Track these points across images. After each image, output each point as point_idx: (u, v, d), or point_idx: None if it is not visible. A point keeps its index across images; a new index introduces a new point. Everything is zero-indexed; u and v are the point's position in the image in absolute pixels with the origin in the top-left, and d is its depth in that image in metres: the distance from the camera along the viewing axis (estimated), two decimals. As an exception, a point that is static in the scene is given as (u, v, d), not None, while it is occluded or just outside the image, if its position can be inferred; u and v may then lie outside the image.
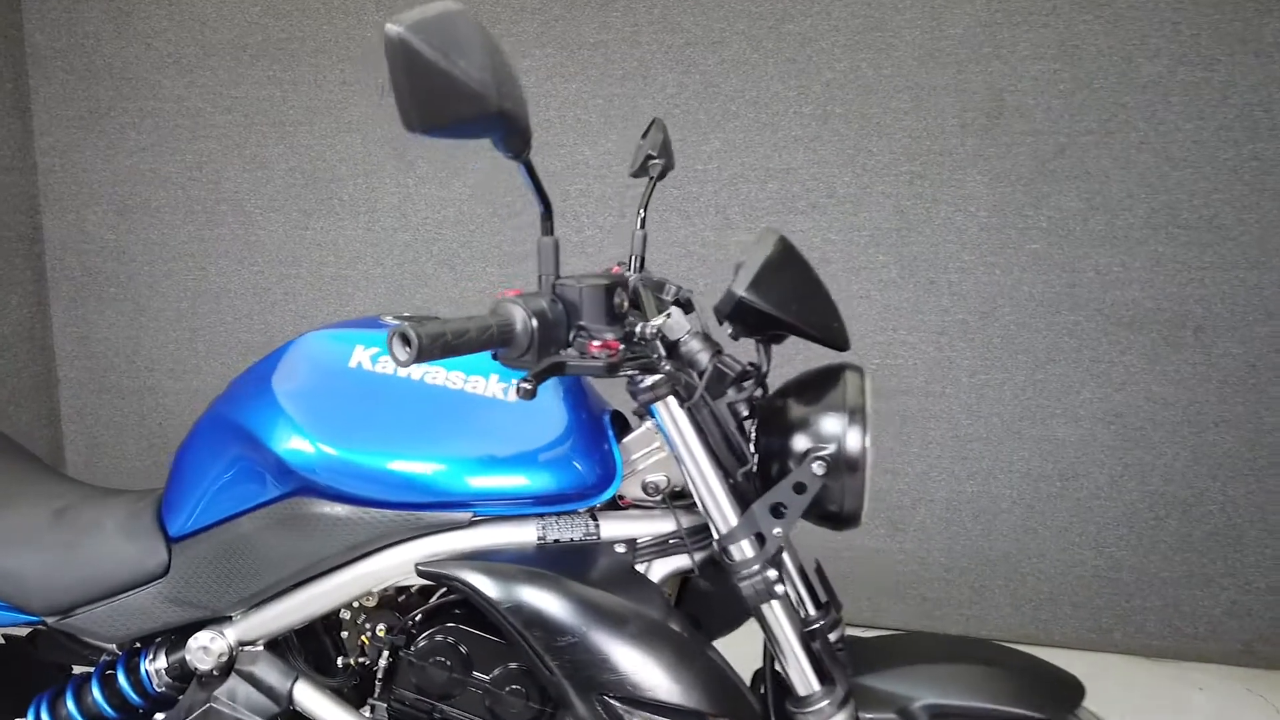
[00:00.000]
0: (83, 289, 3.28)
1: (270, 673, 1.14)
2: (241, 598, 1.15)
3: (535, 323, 0.95)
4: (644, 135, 1.61)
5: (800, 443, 1.08)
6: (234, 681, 1.14)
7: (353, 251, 3.11)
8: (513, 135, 0.93)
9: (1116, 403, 2.74)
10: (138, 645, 1.24)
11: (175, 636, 1.20)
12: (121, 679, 1.19)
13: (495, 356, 0.98)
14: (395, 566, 1.10)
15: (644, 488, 1.17)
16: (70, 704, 1.21)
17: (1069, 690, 1.15)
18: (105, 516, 1.25)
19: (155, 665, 1.19)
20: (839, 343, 1.18)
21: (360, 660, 1.18)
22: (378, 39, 2.89)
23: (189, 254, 3.20)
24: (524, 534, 1.10)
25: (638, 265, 1.38)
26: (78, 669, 1.36)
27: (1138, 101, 2.62)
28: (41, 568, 1.19)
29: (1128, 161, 2.65)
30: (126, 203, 3.21)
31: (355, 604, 1.17)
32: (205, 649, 1.16)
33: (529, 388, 0.94)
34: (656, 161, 1.42)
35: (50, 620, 1.20)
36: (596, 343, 1.02)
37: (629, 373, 1.07)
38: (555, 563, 1.08)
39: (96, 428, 3.34)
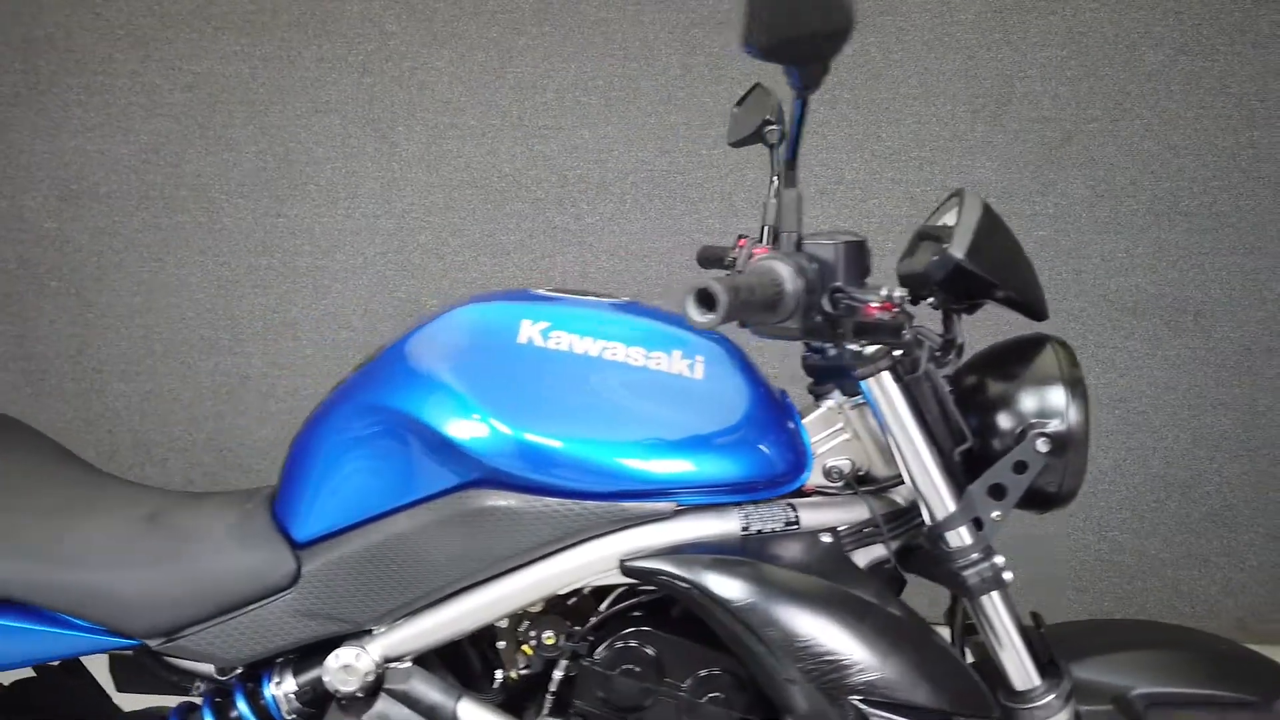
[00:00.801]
0: (18, 282, 2.97)
1: (430, 691, 1.00)
2: (391, 607, 1.00)
3: (802, 283, 0.85)
4: (739, 103, 1.52)
5: (1014, 419, 1.01)
6: (385, 703, 0.99)
7: (330, 240, 2.90)
8: (826, 61, 0.84)
9: (1120, 388, 2.77)
10: (254, 669, 1.07)
11: (298, 656, 1.04)
12: (242, 706, 1.02)
13: (743, 322, 0.87)
14: (589, 565, 0.98)
15: (826, 473, 1.08)
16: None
17: (1271, 673, 1.11)
18: (209, 522, 1.07)
19: (282, 689, 1.02)
20: (1042, 312, 1.12)
21: (522, 672, 1.05)
22: None
23: (143, 243, 2.93)
24: (727, 525, 0.99)
25: (771, 237, 1.29)
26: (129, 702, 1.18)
27: (1142, 90, 2.66)
28: (141, 584, 1.01)
29: (1132, 149, 2.68)
30: (70, 188, 2.92)
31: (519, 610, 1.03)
32: (348, 668, 1.00)
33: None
34: (774, 128, 1.32)
35: (153, 642, 1.02)
36: (874, 303, 0.92)
37: (861, 343, 0.98)
38: (773, 556, 0.98)
39: (34, 436, 3.03)
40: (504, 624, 1.04)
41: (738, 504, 1.00)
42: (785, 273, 0.88)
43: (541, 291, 1.10)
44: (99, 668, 1.20)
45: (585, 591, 1.04)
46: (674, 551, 0.96)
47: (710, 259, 1.43)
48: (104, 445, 3.02)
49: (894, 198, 2.77)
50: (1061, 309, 2.75)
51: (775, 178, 1.26)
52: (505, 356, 1.00)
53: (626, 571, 0.96)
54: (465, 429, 0.96)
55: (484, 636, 1.06)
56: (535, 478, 0.96)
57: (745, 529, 0.99)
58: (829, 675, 0.93)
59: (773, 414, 1.06)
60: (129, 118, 2.89)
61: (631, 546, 0.97)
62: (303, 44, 2.83)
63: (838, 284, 0.95)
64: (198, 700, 1.09)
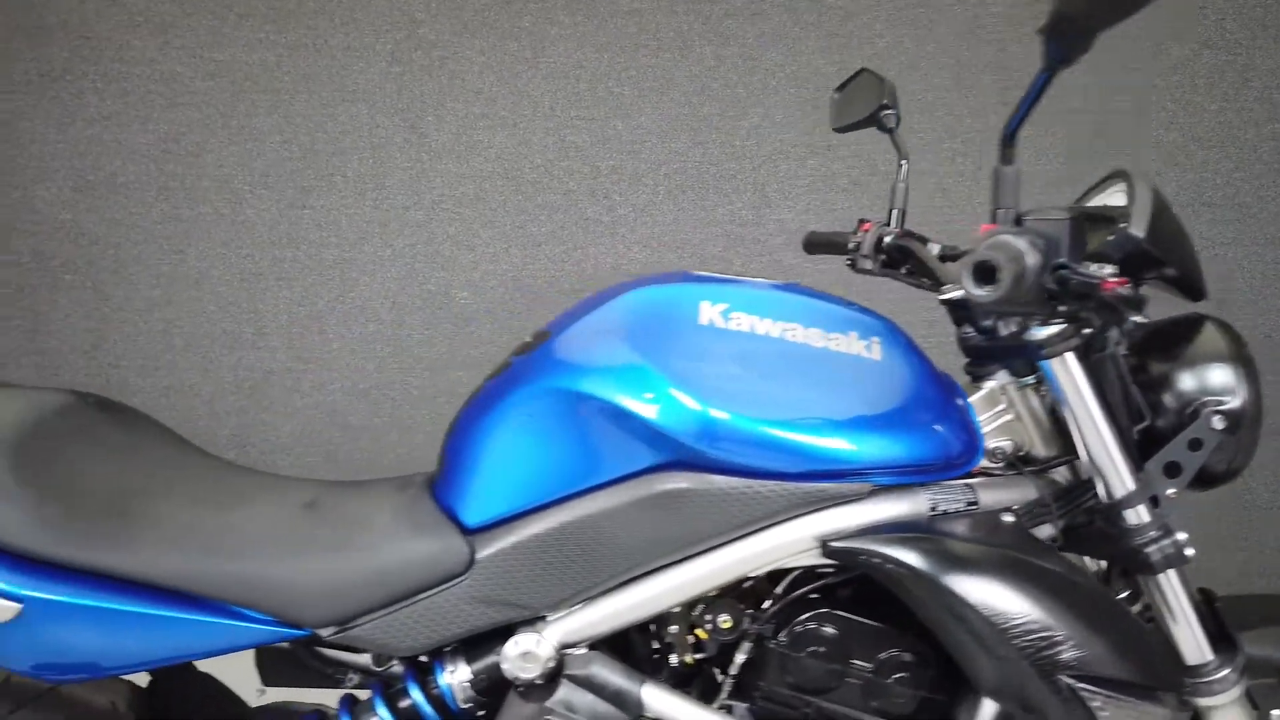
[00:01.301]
0: (31, 275, 2.88)
1: (613, 676, 0.99)
2: (570, 593, 0.99)
3: (1038, 258, 0.86)
4: (840, 88, 1.53)
5: (1187, 397, 1.03)
6: (567, 690, 0.98)
7: (357, 232, 2.86)
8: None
9: (1146, 375, 2.83)
10: (415, 658, 1.05)
11: (467, 644, 1.02)
12: (417, 696, 1.00)
13: (970, 301, 0.87)
14: (784, 546, 0.97)
15: (989, 454, 1.09)
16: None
17: None
18: (372, 510, 1.05)
19: (457, 678, 1.00)
20: (1203, 291, 1.14)
21: (696, 657, 1.04)
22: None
23: (163, 235, 2.86)
24: (917, 505, 0.99)
25: (899, 220, 1.30)
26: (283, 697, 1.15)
27: (1167, 83, 2.72)
28: (312, 574, 0.99)
29: (1157, 141, 2.74)
30: (86, 178, 2.84)
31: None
32: (529, 655, 0.98)
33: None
34: (891, 112, 1.33)
35: (325, 632, 1.00)
36: (1110, 280, 0.93)
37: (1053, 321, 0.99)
38: (968, 536, 0.98)
39: (47, 434, 2.94)
40: (676, 608, 1.03)
41: (923, 484, 1.01)
42: (1023, 247, 0.88)
43: (700, 273, 1.09)
44: (218, 666, 1.17)
45: (760, 574, 1.04)
46: (870, 532, 0.96)
47: (821, 244, 1.43)
48: (121, 443, 2.94)
49: (926, 189, 2.79)
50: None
51: (903, 161, 1.27)
52: (691, 338, 0.99)
53: (830, 553, 0.96)
54: (663, 410, 0.95)
55: (651, 621, 1.05)
56: (732, 459, 0.95)
57: (933, 509, 0.99)
58: (1043, 652, 0.94)
59: (945, 395, 1.06)
60: (148, 106, 2.81)
61: (829, 527, 0.97)
62: (330, 31, 2.78)
63: (1062, 260, 0.96)
64: (356, 692, 1.06)
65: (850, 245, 1.29)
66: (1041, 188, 2.75)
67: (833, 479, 0.97)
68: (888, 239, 1.24)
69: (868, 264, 1.25)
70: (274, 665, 1.11)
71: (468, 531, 1.01)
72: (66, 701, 1.08)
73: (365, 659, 1.06)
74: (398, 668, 1.06)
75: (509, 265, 2.86)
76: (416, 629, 0.99)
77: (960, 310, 1.12)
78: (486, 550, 0.99)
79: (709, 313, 1.00)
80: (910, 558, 0.94)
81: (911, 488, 1.00)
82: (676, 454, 0.95)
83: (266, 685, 1.12)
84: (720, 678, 1.03)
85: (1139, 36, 2.69)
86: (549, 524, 0.98)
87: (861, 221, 1.32)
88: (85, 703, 1.08)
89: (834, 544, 0.95)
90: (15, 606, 0.93)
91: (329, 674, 1.07)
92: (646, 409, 0.95)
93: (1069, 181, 2.77)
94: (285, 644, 1.03)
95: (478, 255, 2.86)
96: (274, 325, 2.89)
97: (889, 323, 1.11)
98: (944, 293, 1.12)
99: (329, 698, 1.23)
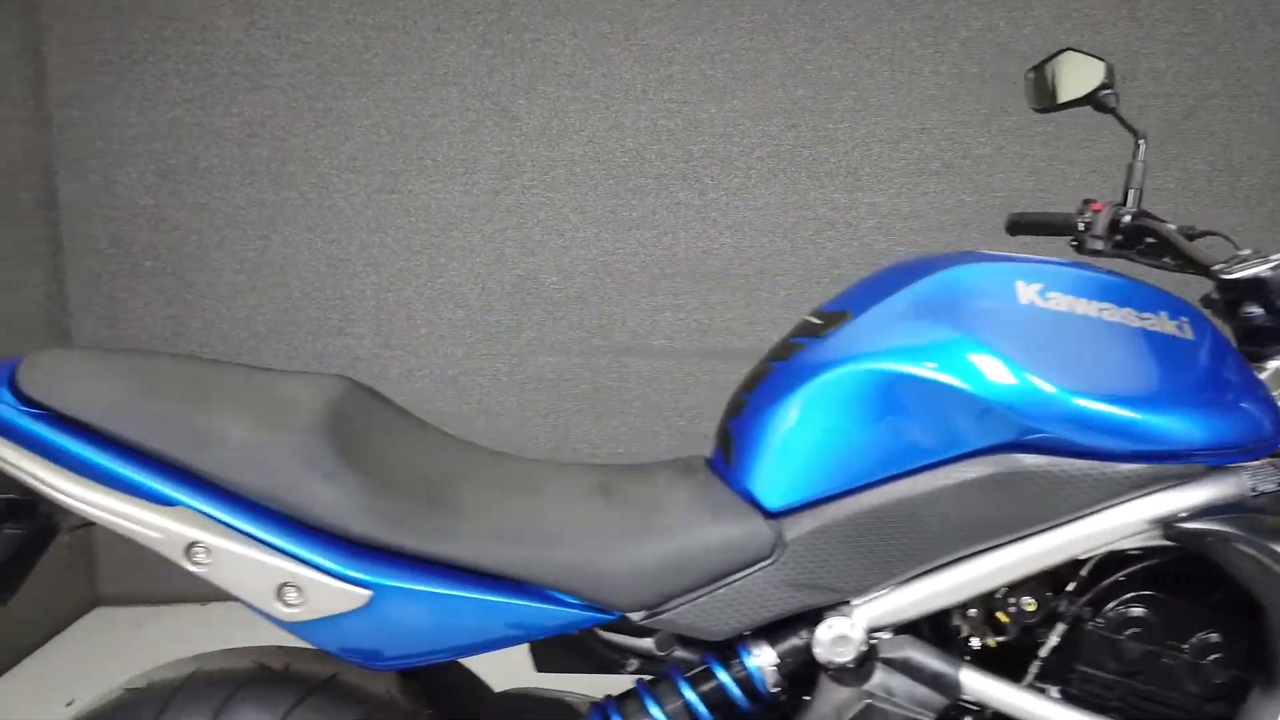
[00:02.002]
0: (110, 262, 2.82)
1: (930, 660, 0.98)
2: (887, 575, 0.98)
3: None
4: (1037, 68, 1.52)
5: None
6: (884, 674, 0.97)
7: (447, 217, 2.82)
8: None
9: (1233, 357, 2.85)
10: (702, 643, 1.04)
11: (769, 629, 1.01)
12: (725, 679, 0.99)
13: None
14: (1119, 528, 0.96)
15: None
16: (654, 709, 0.99)
17: None
18: (665, 494, 1.03)
19: (763, 661, 0.99)
20: None
21: (998, 640, 1.03)
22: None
23: (248, 221, 2.81)
24: (1240, 485, 0.98)
25: (1137, 199, 1.29)
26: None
27: (1259, 66, 2.73)
28: (623, 558, 0.97)
29: (1249, 125, 2.76)
30: (168, 162, 2.78)
31: None
32: (843, 639, 0.97)
33: None
34: (1110, 92, 1.32)
35: (636, 616, 0.98)
36: None
37: None
38: None
39: (127, 423, 2.89)
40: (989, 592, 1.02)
41: (1242, 465, 1.00)
42: None
43: (989, 253, 1.08)
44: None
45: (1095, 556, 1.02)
46: (1205, 514, 0.96)
47: (1031, 225, 1.42)
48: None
49: (1019, 172, 2.80)
50: (1182, 280, 2.82)
51: (1140, 140, 1.26)
52: (1015, 317, 0.98)
53: (1174, 535, 0.95)
54: (1005, 389, 0.94)
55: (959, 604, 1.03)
56: (1072, 440, 0.94)
57: (1254, 490, 0.99)
58: None
59: (1250, 376, 1.06)
60: (232, 89, 2.76)
61: (1166, 510, 0.96)
62: (419, 13, 2.73)
63: None
64: (644, 676, 1.05)
65: (1080, 225, 1.28)
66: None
67: (1168, 460, 0.96)
68: (1125, 219, 1.23)
69: (1099, 244, 1.24)
70: (548, 651, 1.09)
71: (770, 515, 1.00)
72: (346, 690, 1.06)
73: (648, 644, 1.05)
74: (680, 653, 1.05)
75: (599, 250, 2.84)
76: (726, 612, 0.98)
77: (1242, 291, 1.11)
78: (794, 533, 0.98)
79: (1026, 292, 0.99)
80: (1262, 538, 0.93)
81: (1233, 468, 0.99)
82: (1014, 435, 0.94)
83: (540, 670, 1.11)
84: (1032, 660, 1.02)
85: (1236, 17, 2.70)
86: (864, 506, 0.97)
87: (1089, 202, 1.31)
88: (363, 690, 1.06)
89: (1181, 526, 0.95)
90: (366, 594, 0.91)
91: (612, 659, 1.06)
92: (988, 388, 0.94)
93: (1161, 166, 2.78)
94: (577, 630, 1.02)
95: (567, 240, 2.84)
96: (360, 311, 2.85)
97: (1187, 301, 1.10)
98: (1232, 271, 1.11)
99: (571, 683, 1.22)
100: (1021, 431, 0.95)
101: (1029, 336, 0.97)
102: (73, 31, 2.72)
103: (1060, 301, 0.99)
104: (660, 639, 1.05)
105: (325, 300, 2.85)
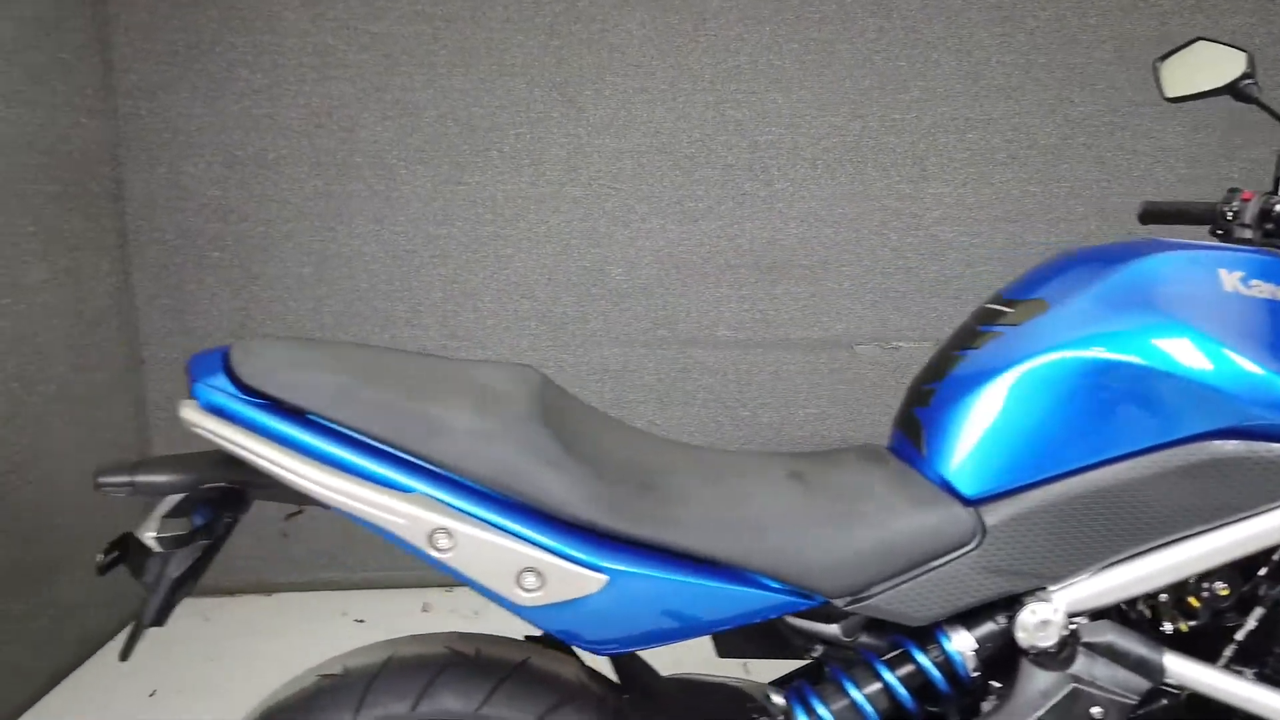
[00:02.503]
0: (176, 254, 2.82)
1: (1133, 645, 0.99)
2: (1089, 561, 0.99)
3: None
4: (1164, 58, 1.52)
5: None
6: (1086, 660, 0.99)
7: (514, 208, 2.82)
8: None
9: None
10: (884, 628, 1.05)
11: (964, 615, 1.03)
12: (924, 663, 1.00)
13: None
14: None
15: None
16: (853, 691, 1.01)
17: None
18: (858, 481, 1.04)
19: (962, 646, 1.01)
20: None
21: (1190, 624, 1.05)
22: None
23: (314, 212, 2.81)
24: None
25: None
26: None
27: (1327, 56, 2.75)
28: (825, 545, 0.98)
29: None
30: (235, 154, 2.78)
31: None
32: (1045, 624, 0.99)
33: None
34: (1252, 81, 1.33)
35: (840, 602, 0.99)
36: None
37: None
38: None
39: (193, 415, 2.89)
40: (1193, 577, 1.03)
41: None
42: None
43: (1173, 240, 1.09)
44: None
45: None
46: None
47: (1166, 214, 1.42)
48: (268, 423, 2.90)
49: (1085, 162, 2.81)
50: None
51: None
52: (1222, 304, 0.99)
53: None
54: (1224, 375, 0.95)
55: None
56: None
57: None
58: None
59: None
60: (300, 80, 2.76)
61: None
62: (488, 4, 2.73)
63: None
64: (829, 659, 1.06)
65: (1228, 214, 1.28)
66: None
67: None
68: (1277, 208, 1.23)
69: (1248, 233, 1.25)
70: (732, 637, 1.10)
71: (968, 502, 1.01)
72: (539, 675, 1.07)
73: (834, 630, 1.06)
74: (865, 639, 1.06)
75: (665, 241, 2.85)
76: (928, 598, 0.99)
77: None
78: (994, 520, 1.00)
79: (1229, 279, 1.00)
80: None
81: None
82: (1223, 421, 0.96)
83: (722, 655, 1.12)
84: (1226, 643, 1.04)
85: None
86: (1067, 494, 0.98)
87: (1236, 190, 1.31)
88: (555, 675, 1.07)
89: None
90: (603, 579, 0.92)
91: (796, 645, 1.07)
92: (1200, 374, 0.95)
93: (1225, 157, 2.80)
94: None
95: (633, 231, 2.84)
96: (428, 302, 2.86)
97: None
98: None
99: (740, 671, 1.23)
100: (1231, 417, 0.96)
101: (1236, 322, 0.98)
102: (140, 23, 2.71)
103: (1263, 289, 1.00)
104: (847, 625, 1.06)
105: (392, 292, 2.85)
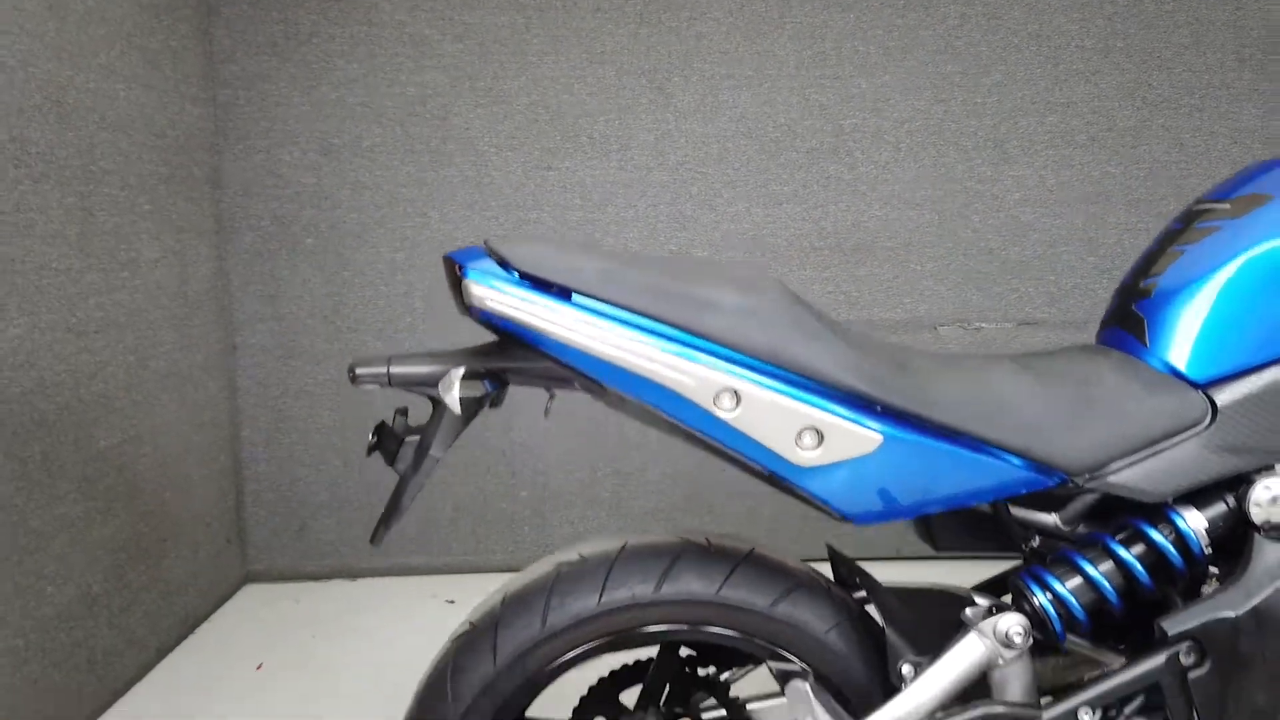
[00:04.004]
0: (270, 240, 2.87)
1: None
2: None
3: None
4: None
5: None
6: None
7: (602, 193, 2.88)
8: None
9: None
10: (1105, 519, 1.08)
11: (1192, 495, 1.05)
12: (1160, 540, 1.03)
13: None
14: None
15: None
16: (1090, 569, 1.03)
17: None
18: (1089, 370, 1.08)
19: (1195, 524, 1.04)
20: None
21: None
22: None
23: (407, 199, 2.87)
24: None
25: None
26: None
27: (1397, 38, 2.80)
28: (1066, 421, 1.02)
29: (1388, 95, 2.83)
30: (331, 142, 2.84)
31: None
32: (1276, 500, 1.02)
33: None
34: None
35: (1079, 479, 1.02)
36: None
37: None
38: None
39: (283, 399, 2.93)
40: None
41: None
42: None
43: None
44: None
45: None
46: None
47: None
48: (358, 406, 2.94)
49: (1164, 144, 2.87)
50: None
51: None
52: None
53: None
54: None
55: None
56: None
57: None
58: None
59: None
60: (395, 69, 2.82)
61: None
62: (579, -6, 2.80)
63: None
64: (1043, 552, 1.09)
65: None
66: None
67: None
68: None
69: None
70: (948, 530, 1.13)
71: (1197, 386, 1.05)
72: (768, 563, 1.09)
73: (1052, 520, 1.09)
74: (1083, 529, 1.09)
75: (750, 224, 2.90)
76: (1163, 474, 1.02)
77: None
78: (1225, 400, 1.03)
79: None
80: None
81: None
82: None
83: (939, 550, 1.15)
84: None
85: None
86: None
87: None
88: (782, 564, 1.10)
89: None
90: (878, 438, 0.96)
91: (1016, 535, 1.10)
92: None
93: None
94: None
95: (719, 214, 2.89)
96: (517, 287, 2.89)
97: None
98: None
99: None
100: None
101: None
102: (241, 14, 2.78)
103: None
104: (1067, 514, 1.09)
105: (482, 276, 2.89)
